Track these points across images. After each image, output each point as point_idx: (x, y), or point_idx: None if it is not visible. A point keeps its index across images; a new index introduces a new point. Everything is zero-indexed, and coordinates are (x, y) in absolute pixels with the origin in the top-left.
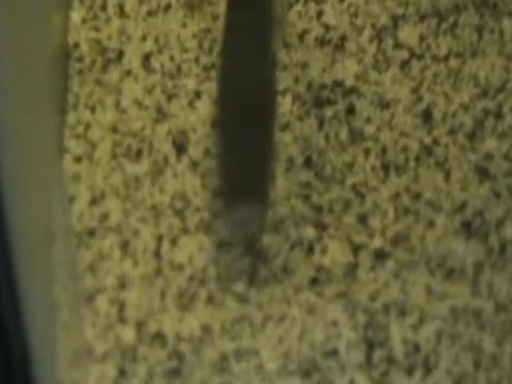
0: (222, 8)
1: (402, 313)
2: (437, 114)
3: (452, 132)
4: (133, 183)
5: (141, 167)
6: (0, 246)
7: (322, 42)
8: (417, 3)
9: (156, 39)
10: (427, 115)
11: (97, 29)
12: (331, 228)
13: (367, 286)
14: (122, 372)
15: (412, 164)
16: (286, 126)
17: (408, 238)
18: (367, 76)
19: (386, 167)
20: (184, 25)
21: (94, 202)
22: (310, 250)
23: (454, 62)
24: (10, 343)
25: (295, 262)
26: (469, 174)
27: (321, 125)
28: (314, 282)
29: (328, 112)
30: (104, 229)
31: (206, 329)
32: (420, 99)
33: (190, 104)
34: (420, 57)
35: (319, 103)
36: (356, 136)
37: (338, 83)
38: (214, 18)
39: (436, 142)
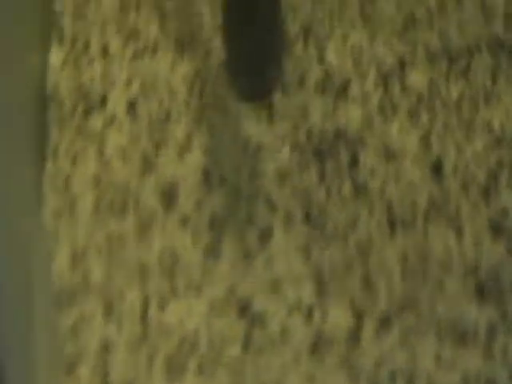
0: (214, 44)
1: (410, 381)
2: (447, 166)
3: (464, 185)
4: (117, 240)
5: (126, 223)
6: None
7: (323, 86)
8: (426, 44)
9: (142, 83)
10: (437, 167)
11: (78, 72)
12: (332, 289)
13: (371, 352)
14: None
15: (420, 220)
16: (284, 178)
17: (416, 302)
18: (372, 124)
19: (392, 224)
20: (173, 67)
21: (75, 259)
22: (310, 313)
23: (465, 109)
24: None
25: (293, 326)
26: (482, 230)
27: (322, 177)
28: (313, 348)
29: (329, 163)
30: (86, 289)
31: None
32: (429, 149)
33: (180, 153)
34: (429, 103)
35: (320, 153)
36: (359, 190)
37: (341, 132)
38: (205, 57)
39: (446, 196)
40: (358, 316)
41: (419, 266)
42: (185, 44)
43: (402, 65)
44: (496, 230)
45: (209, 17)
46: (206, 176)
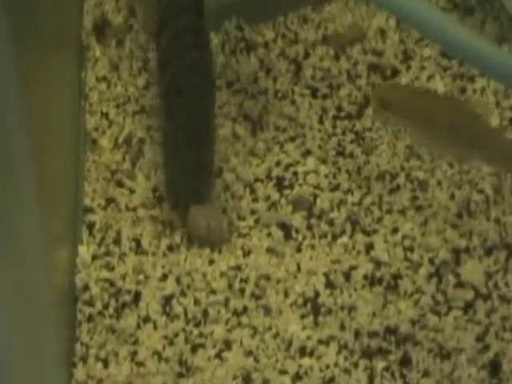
0: (254, 241)
1: None
2: (506, 366)
3: None
4: None
5: None
6: None
7: (371, 280)
8: (482, 234)
9: (178, 279)
10: (494, 367)
11: (109, 267)
12: None
13: None
14: None
15: None
16: (330, 381)
17: None
18: (425, 321)
19: None
20: (211, 261)
21: None
22: None
23: None
24: None
25: None
26: None
27: (371, 379)
28: None
29: (379, 364)
30: None
31: None
32: (486, 348)
33: (218, 355)
34: (486, 297)
35: (369, 353)
36: None
37: (391, 330)
38: (246, 253)
39: None
40: None
41: None
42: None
43: (457, 256)
44: None
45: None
46: (247, 380)
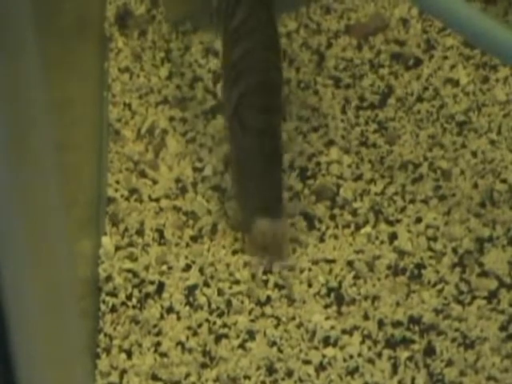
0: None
1: None
2: None
3: None
4: None
5: None
6: None
7: (395, 270)
8: (506, 223)
9: (201, 269)
10: None
11: (132, 257)
12: None
13: None
14: None
15: None
16: (354, 371)
17: None
18: (448, 310)
19: None
20: (234, 252)
21: None
22: None
23: None
24: None
25: None
26: None
27: (395, 368)
28: None
29: (403, 353)
30: None
31: None
32: (510, 338)
33: (242, 345)
34: (510, 287)
35: (393, 343)
36: (436, 381)
37: (415, 320)
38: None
39: None
40: None
41: None
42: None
43: (481, 246)
44: None
45: None
46: (271, 370)
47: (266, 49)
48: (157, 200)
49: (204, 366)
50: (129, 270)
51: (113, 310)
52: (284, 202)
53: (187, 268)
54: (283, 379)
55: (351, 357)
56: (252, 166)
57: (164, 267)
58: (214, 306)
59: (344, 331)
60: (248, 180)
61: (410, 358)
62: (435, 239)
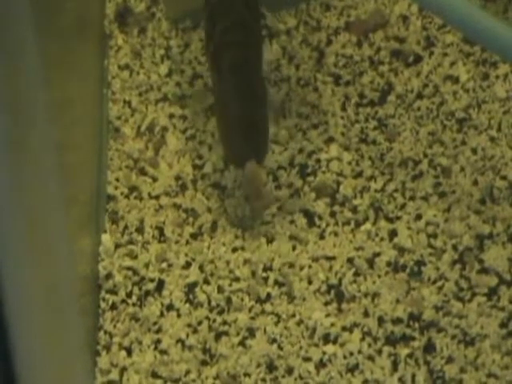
0: (277, 228)
1: None
2: None
3: None
4: None
5: None
6: None
7: (395, 267)
8: (506, 220)
9: (201, 267)
10: None
11: (132, 255)
12: None
13: None
14: None
15: None
16: (354, 368)
17: None
18: (448, 307)
19: None
20: (234, 249)
21: None
22: None
23: None
24: None
25: None
26: None
27: (395, 365)
28: None
29: (403, 350)
30: None
31: None
32: (510, 334)
33: (242, 343)
34: (510, 283)
35: (393, 340)
36: (436, 378)
37: (415, 316)
38: (269, 240)
39: None
40: None
41: None
42: (246, 225)
43: (481, 242)
44: None
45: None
46: (271, 367)
47: None
48: (157, 197)
49: (204, 363)
50: (129, 268)
51: (113, 307)
52: (266, 144)
53: (187, 265)
54: (283, 376)
55: (351, 354)
56: (230, 106)
57: (164, 265)
58: (213, 303)
59: (344, 328)
60: (228, 122)
61: (410, 355)
62: (435, 236)
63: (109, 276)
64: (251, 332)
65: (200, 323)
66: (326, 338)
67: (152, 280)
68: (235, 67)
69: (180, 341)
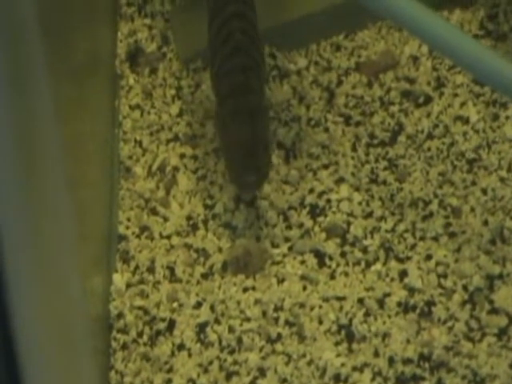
0: (288, 269)
1: None
2: None
3: None
4: None
5: None
6: None
7: (405, 307)
8: None
9: (212, 307)
10: None
11: (143, 295)
12: None
13: None
14: None
15: None
16: None
17: None
18: (459, 347)
19: None
20: (245, 289)
21: None
22: None
23: None
24: None
25: None
26: None
27: None
28: None
29: None
30: None
31: None
32: None
33: (253, 382)
34: None
35: (403, 380)
36: None
37: (425, 357)
38: (280, 280)
39: None
40: None
41: None
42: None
43: (491, 283)
44: None
45: None
46: None
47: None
48: (168, 237)
49: None
50: (140, 307)
51: (124, 347)
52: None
53: (198, 305)
54: None
55: None
56: (230, 127)
57: (175, 304)
58: (224, 343)
59: (355, 368)
60: (228, 144)
61: None
62: (445, 276)
63: (120, 316)
64: (262, 372)
65: (211, 363)
66: (337, 378)
67: (163, 320)
68: (234, 91)
69: (191, 380)
